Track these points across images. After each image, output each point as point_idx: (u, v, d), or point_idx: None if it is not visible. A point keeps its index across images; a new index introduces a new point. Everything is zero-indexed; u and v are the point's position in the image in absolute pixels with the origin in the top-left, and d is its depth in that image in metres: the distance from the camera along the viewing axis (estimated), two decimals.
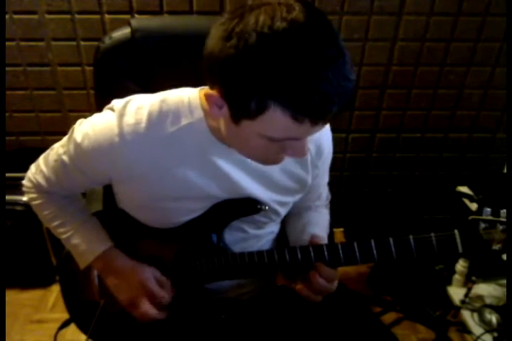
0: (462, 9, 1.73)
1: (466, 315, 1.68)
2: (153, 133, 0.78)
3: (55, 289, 1.82)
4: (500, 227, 0.73)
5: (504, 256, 0.72)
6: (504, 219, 0.73)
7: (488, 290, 1.77)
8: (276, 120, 0.62)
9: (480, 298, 1.73)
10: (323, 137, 0.91)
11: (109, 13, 1.67)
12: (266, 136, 0.67)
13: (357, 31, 1.76)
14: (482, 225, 0.74)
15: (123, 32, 1.03)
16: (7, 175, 1.69)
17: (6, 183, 1.67)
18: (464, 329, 1.67)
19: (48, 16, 1.66)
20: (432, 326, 1.70)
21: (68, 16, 1.67)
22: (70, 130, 0.85)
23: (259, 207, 0.87)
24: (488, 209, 0.74)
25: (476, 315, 1.66)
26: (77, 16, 1.67)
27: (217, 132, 0.78)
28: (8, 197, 1.66)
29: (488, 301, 1.71)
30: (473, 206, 1.68)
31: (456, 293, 1.76)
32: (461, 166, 2.07)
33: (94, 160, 0.81)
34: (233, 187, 0.85)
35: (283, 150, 0.73)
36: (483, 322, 1.62)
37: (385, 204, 2.15)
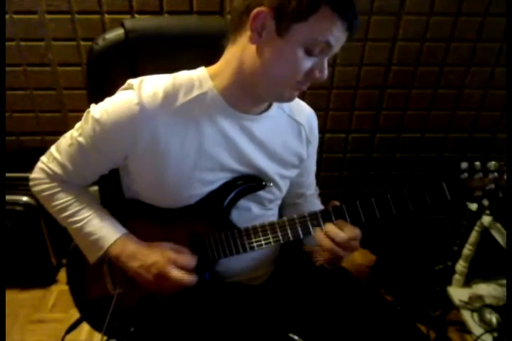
0: (462, 9, 1.73)
1: (466, 315, 1.68)
2: (169, 102, 0.83)
3: (55, 289, 1.82)
4: (477, 176, 0.85)
5: (485, 202, 0.88)
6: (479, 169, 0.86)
7: (488, 290, 1.77)
8: (325, 19, 0.75)
9: (480, 298, 1.73)
10: (312, 117, 1.02)
11: (109, 13, 1.67)
12: (312, 39, 0.76)
13: (357, 31, 1.75)
14: (461, 176, 0.86)
15: (117, 33, 1.01)
16: (7, 175, 1.70)
17: (6, 183, 1.68)
18: (464, 329, 1.67)
19: (47, 16, 1.67)
20: (432, 326, 1.70)
21: (68, 16, 1.67)
22: (85, 114, 0.87)
23: (264, 183, 0.93)
24: (465, 163, 0.87)
25: (476, 315, 1.66)
26: (77, 16, 1.68)
27: (228, 95, 0.86)
28: (8, 197, 1.66)
29: (488, 301, 1.71)
30: (474, 206, 1.67)
31: (456, 293, 1.76)
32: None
33: (114, 134, 0.83)
34: (241, 155, 0.89)
35: (311, 70, 0.80)
36: (483, 322, 1.62)
37: None
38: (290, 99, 0.87)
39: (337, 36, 0.78)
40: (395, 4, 1.72)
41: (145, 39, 1.02)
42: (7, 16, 1.66)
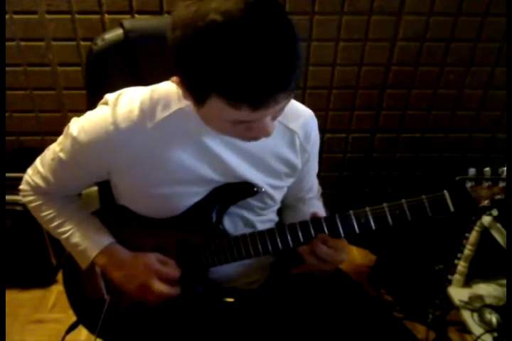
0: (462, 9, 1.73)
1: (466, 315, 1.68)
2: (146, 119, 0.81)
3: (55, 289, 1.82)
4: (486, 184, 0.77)
5: (494, 212, 0.77)
6: (488, 177, 0.78)
7: (488, 290, 1.77)
8: (217, 106, 0.65)
9: (480, 298, 1.73)
10: (310, 123, 0.95)
11: (109, 13, 1.67)
12: (221, 117, 0.69)
13: (357, 31, 1.76)
14: (468, 184, 0.78)
15: (116, 33, 1.01)
16: (7, 175, 1.69)
17: (6, 183, 1.67)
18: (464, 329, 1.67)
19: (47, 16, 1.67)
20: (432, 326, 1.70)
21: (68, 16, 1.67)
22: (65, 128, 0.86)
23: (255, 189, 0.89)
24: (473, 169, 0.79)
25: (476, 315, 1.66)
26: (77, 16, 1.68)
27: None
28: (8, 197, 1.66)
29: (488, 301, 1.71)
30: None
31: (456, 293, 1.76)
32: (461, 166, 2.07)
33: (93, 152, 0.82)
34: (226, 170, 0.87)
35: (248, 130, 0.73)
36: (483, 322, 1.62)
37: None
38: (255, 140, 0.77)
39: (246, 116, 0.66)
40: (395, 4, 1.71)
41: (144, 39, 1.02)
42: (7, 16, 1.66)
